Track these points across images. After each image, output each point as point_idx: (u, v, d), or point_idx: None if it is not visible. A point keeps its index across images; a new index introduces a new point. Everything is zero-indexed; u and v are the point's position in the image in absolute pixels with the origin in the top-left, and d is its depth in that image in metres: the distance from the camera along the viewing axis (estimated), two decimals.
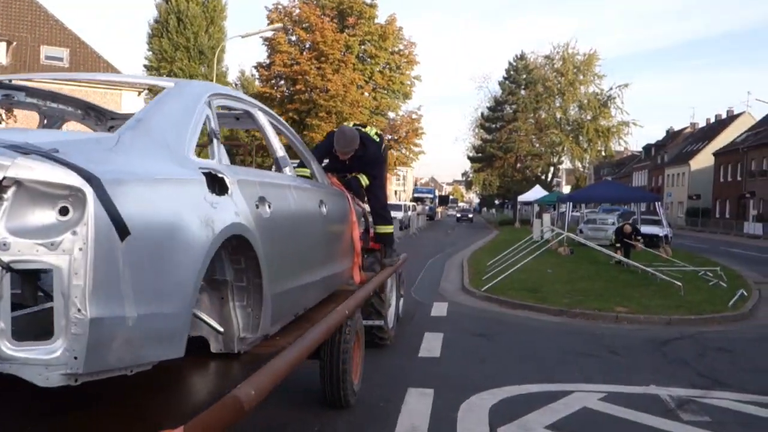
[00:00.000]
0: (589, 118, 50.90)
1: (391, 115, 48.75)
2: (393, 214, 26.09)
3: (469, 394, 6.09)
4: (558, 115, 52.31)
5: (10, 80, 3.73)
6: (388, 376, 6.75)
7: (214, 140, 3.11)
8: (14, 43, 33.57)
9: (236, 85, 59.08)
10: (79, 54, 35.46)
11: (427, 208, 61.87)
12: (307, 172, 5.12)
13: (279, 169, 4.05)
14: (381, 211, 6.28)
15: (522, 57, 56.35)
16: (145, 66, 48.53)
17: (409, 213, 41.73)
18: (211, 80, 33.32)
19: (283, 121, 4.56)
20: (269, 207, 3.28)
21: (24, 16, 35.48)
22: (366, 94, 46.79)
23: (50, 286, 2.09)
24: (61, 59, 34.30)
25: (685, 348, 8.51)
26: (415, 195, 70.70)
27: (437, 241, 30.88)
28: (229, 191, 2.88)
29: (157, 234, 2.31)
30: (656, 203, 25.09)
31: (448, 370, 7.05)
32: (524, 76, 55.14)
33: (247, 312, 3.11)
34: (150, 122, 2.72)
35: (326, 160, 5.95)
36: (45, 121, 4.15)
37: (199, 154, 2.98)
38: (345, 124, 6.36)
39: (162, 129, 2.72)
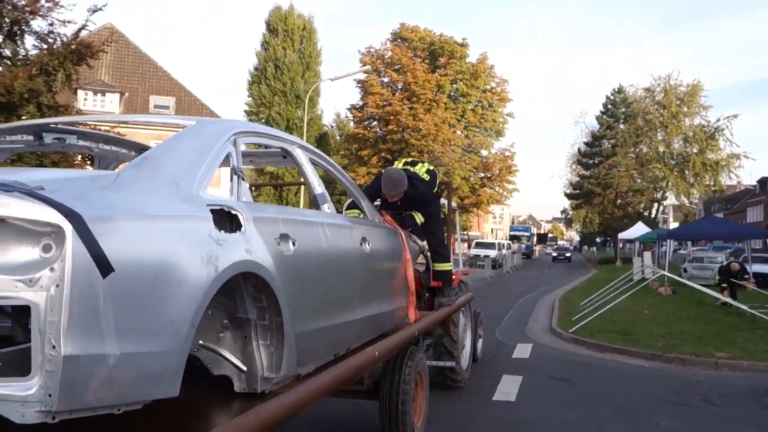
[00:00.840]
0: (695, 151, 48.76)
1: (484, 153, 48.45)
2: (485, 252, 25.86)
3: None
4: (661, 149, 50.35)
5: (57, 123, 3.85)
6: (458, 420, 6.46)
7: (235, 177, 3.06)
8: (126, 94, 35.92)
9: (332, 126, 60.63)
10: (184, 102, 37.50)
11: (523, 246, 60.58)
12: (356, 212, 5.02)
13: (317, 207, 3.97)
14: (438, 248, 6.06)
15: (620, 90, 54.77)
16: (245, 111, 50.71)
17: (504, 251, 40.91)
18: (303, 123, 34.22)
19: (330, 159, 4.48)
20: (293, 244, 3.17)
21: (136, 69, 37.99)
22: (458, 132, 46.83)
23: None
24: (167, 107, 36.35)
25: None
26: (511, 233, 69.46)
27: (531, 279, 30.04)
28: (243, 228, 2.81)
29: (147, 271, 2.25)
30: None
31: (522, 416, 6.67)
32: (623, 109, 53.49)
33: (271, 351, 3.01)
34: (158, 159, 2.71)
35: (378, 200, 5.82)
36: (99, 164, 4.26)
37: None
38: (395, 164, 6.22)
39: (170, 166, 2.69)
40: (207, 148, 2.94)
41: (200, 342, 2.85)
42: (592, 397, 7.65)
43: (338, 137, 57.93)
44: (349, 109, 49.90)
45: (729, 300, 15.05)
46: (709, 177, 48.18)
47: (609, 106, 55.16)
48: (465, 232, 66.92)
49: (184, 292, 2.36)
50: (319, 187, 3.95)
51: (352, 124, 51.52)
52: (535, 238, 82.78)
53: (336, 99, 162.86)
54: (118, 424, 2.37)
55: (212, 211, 2.68)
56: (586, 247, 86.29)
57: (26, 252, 2.02)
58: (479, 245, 43.90)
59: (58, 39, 12.88)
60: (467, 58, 48.31)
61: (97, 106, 33.49)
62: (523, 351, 10.55)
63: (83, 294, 2.00)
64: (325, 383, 3.06)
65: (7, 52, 12.63)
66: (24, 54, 12.78)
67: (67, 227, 1.97)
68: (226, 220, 2.74)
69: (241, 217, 2.83)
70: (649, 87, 51.12)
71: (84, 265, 2.00)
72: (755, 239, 24.24)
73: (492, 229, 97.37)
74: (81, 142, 3.97)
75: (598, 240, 78.02)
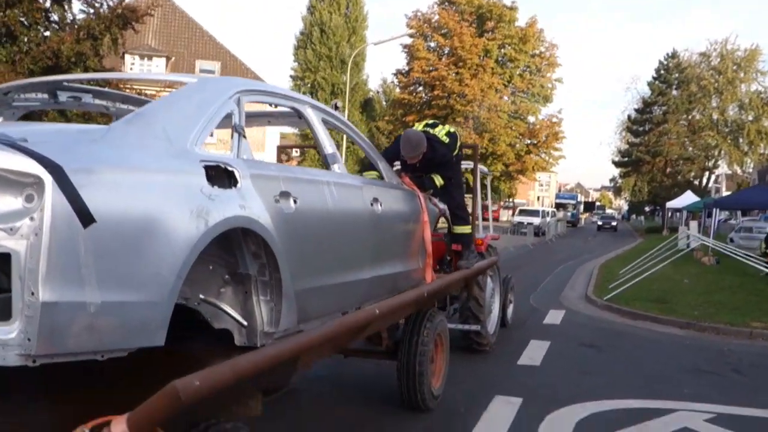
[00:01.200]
0: (750, 118, 47.13)
1: (531, 119, 47.66)
2: (529, 219, 25.66)
3: (560, 406, 5.76)
4: (714, 116, 48.77)
5: (71, 81, 3.90)
6: (480, 382, 6.56)
7: (236, 135, 3.13)
8: (173, 59, 36.38)
9: (378, 92, 60.35)
10: (229, 67, 37.78)
11: (569, 214, 59.77)
12: (375, 174, 5.08)
13: (327, 167, 4.03)
14: (458, 211, 6.09)
15: (674, 55, 53.00)
16: (290, 76, 50.87)
17: (548, 219, 40.46)
18: (345, 88, 34.19)
19: (345, 120, 4.53)
20: (294, 202, 3.24)
21: (182, 33, 38.40)
22: (504, 98, 46.13)
23: None
24: (213, 72, 36.68)
25: None
26: (557, 201, 68.59)
27: (573, 248, 29.74)
28: (239, 185, 2.88)
29: (132, 223, 2.30)
30: None
31: (544, 380, 6.73)
32: (676, 75, 51.82)
33: (271, 307, 3.10)
34: (152, 116, 2.77)
35: (398, 163, 5.86)
36: None
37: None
38: (415, 126, 6.22)
39: (164, 122, 2.75)
40: (206, 105, 2.99)
41: (201, 296, 2.94)
42: (619, 364, 7.66)
43: (384, 103, 57.69)
44: (395, 74, 49.63)
45: None
46: (764, 145, 46.61)
47: (662, 72, 53.52)
48: (510, 199, 66.39)
49: (170, 244, 2.41)
50: (329, 147, 4.00)
51: (397, 89, 51.24)
52: (581, 207, 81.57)
53: (383, 64, 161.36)
54: (106, 371, 2.48)
55: (206, 167, 2.74)
56: (634, 216, 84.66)
57: (9, 202, 2.09)
58: (523, 212, 43.54)
59: (105, 3, 13.18)
60: (516, 22, 47.28)
61: (144, 70, 33.94)
62: (554, 317, 10.55)
63: (62, 243, 2.07)
64: (314, 338, 3.07)
65: (55, 17, 12.99)
66: (71, 18, 13.12)
67: (47, 178, 2.04)
68: (221, 176, 2.80)
69: (237, 174, 2.89)
70: (705, 52, 49.37)
71: (63, 215, 2.07)
72: None
73: (538, 197, 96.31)
74: (97, 101, 4.03)
75: (646, 209, 76.40)
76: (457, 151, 6.01)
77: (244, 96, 3.31)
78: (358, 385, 6.34)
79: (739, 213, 35.34)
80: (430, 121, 6.51)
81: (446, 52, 46.12)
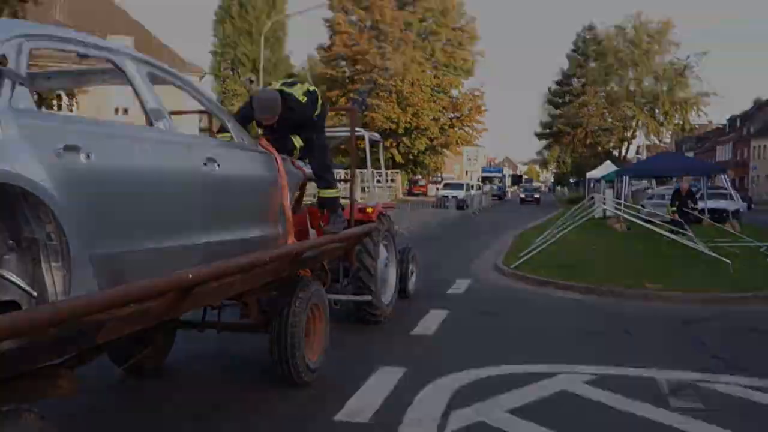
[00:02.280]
0: (665, 89, 48.65)
1: (454, 92, 47.87)
2: (453, 192, 25.45)
3: (444, 374, 5.63)
4: (631, 87, 50.16)
5: None
6: (368, 353, 6.40)
7: (8, 82, 2.74)
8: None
9: (304, 68, 59.41)
10: (143, 42, 36.28)
11: (495, 187, 60.34)
12: (229, 136, 4.75)
13: (150, 123, 3.67)
14: (322, 174, 5.82)
15: (591, 27, 54.13)
16: (210, 52, 49.47)
17: (472, 192, 40.77)
18: (269, 64, 33.37)
19: (182, 76, 4.16)
20: (88, 157, 2.89)
21: (93, 8, 36.66)
22: (427, 71, 46.12)
23: None
24: None
25: (711, 328, 7.72)
26: (483, 174, 69.18)
27: (495, 220, 30.02)
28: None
29: None
30: (722, 176, 23.47)
31: (434, 349, 6.61)
32: (593, 47, 52.94)
33: (63, 275, 2.79)
34: None
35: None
36: None
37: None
38: (272, 84, 5.89)
39: None
40: None
41: None
42: (513, 331, 7.61)
43: (310, 79, 56.85)
44: (317, 50, 48.98)
45: (670, 235, 14.68)
46: (678, 116, 48.28)
47: (579, 44, 54.62)
48: (439, 174, 66.77)
49: None
50: (152, 102, 3.63)
51: (322, 64, 50.57)
52: (508, 180, 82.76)
53: (310, 40, 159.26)
54: None
55: None
56: (559, 188, 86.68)
57: None
58: (447, 186, 43.70)
59: None
60: None
61: None
62: (459, 286, 10.47)
63: None
64: (82, 305, 2.60)
65: None
66: None
67: None
68: None
69: None
70: (620, 24, 50.65)
71: None
72: (705, 174, 24.46)
73: (467, 171, 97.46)
74: None
75: (571, 180, 78.34)
76: (318, 110, 5.71)
77: (30, 41, 2.92)
78: (242, 361, 6.09)
79: (654, 180, 36.46)
80: (289, 80, 6.17)
81: (367, 25, 45.68)
